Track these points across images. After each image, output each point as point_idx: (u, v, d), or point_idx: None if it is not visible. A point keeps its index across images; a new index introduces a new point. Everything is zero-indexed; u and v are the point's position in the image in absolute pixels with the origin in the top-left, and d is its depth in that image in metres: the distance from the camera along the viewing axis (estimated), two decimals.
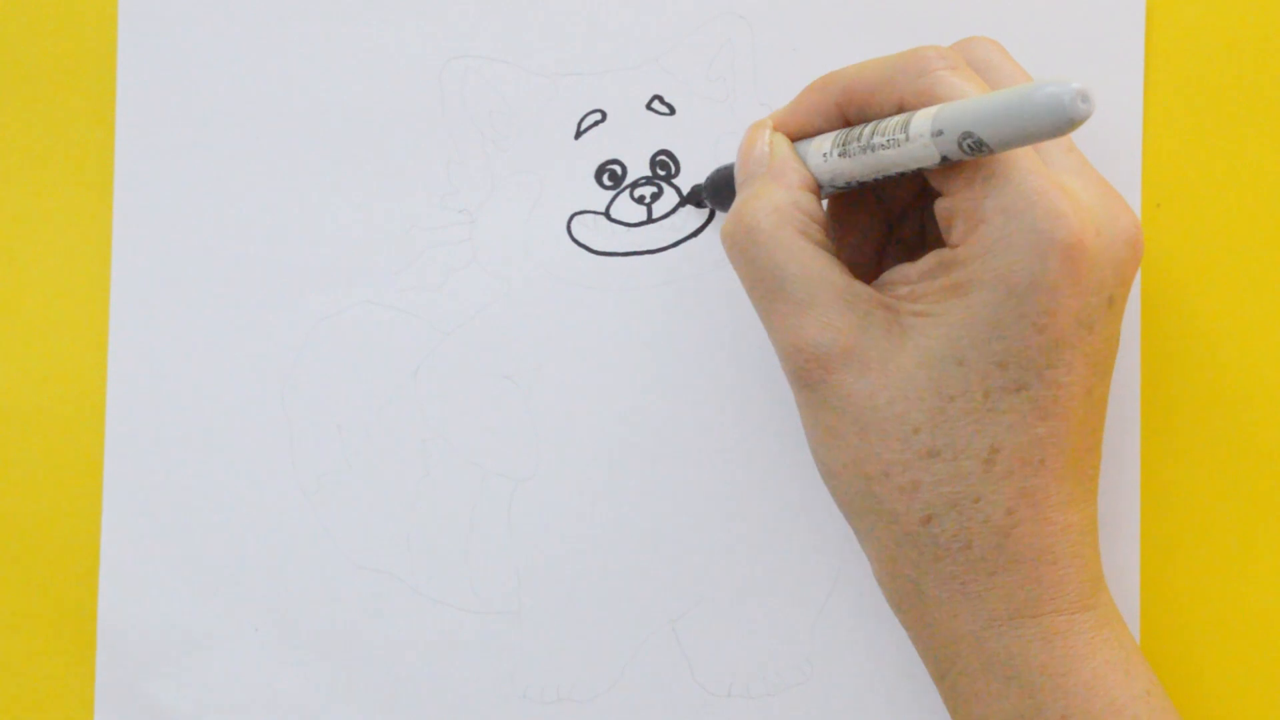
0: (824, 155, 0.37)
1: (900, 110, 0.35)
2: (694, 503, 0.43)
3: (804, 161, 0.37)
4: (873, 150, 0.35)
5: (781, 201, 0.36)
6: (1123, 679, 0.35)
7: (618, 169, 0.43)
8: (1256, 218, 0.42)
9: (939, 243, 0.36)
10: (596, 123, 0.43)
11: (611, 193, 0.43)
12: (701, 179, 0.42)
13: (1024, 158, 0.34)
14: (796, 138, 0.38)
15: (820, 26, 0.42)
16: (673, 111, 0.43)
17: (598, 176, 0.43)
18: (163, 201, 0.43)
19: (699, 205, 0.42)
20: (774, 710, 0.42)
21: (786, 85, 0.42)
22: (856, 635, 0.42)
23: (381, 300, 0.43)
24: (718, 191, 0.41)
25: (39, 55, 0.44)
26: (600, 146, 0.43)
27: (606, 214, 0.43)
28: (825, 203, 0.40)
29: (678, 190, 0.43)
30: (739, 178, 0.38)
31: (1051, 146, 0.36)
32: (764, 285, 0.36)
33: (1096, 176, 0.36)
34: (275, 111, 0.43)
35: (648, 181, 0.43)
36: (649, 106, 0.43)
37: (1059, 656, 0.35)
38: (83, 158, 0.44)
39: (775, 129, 0.38)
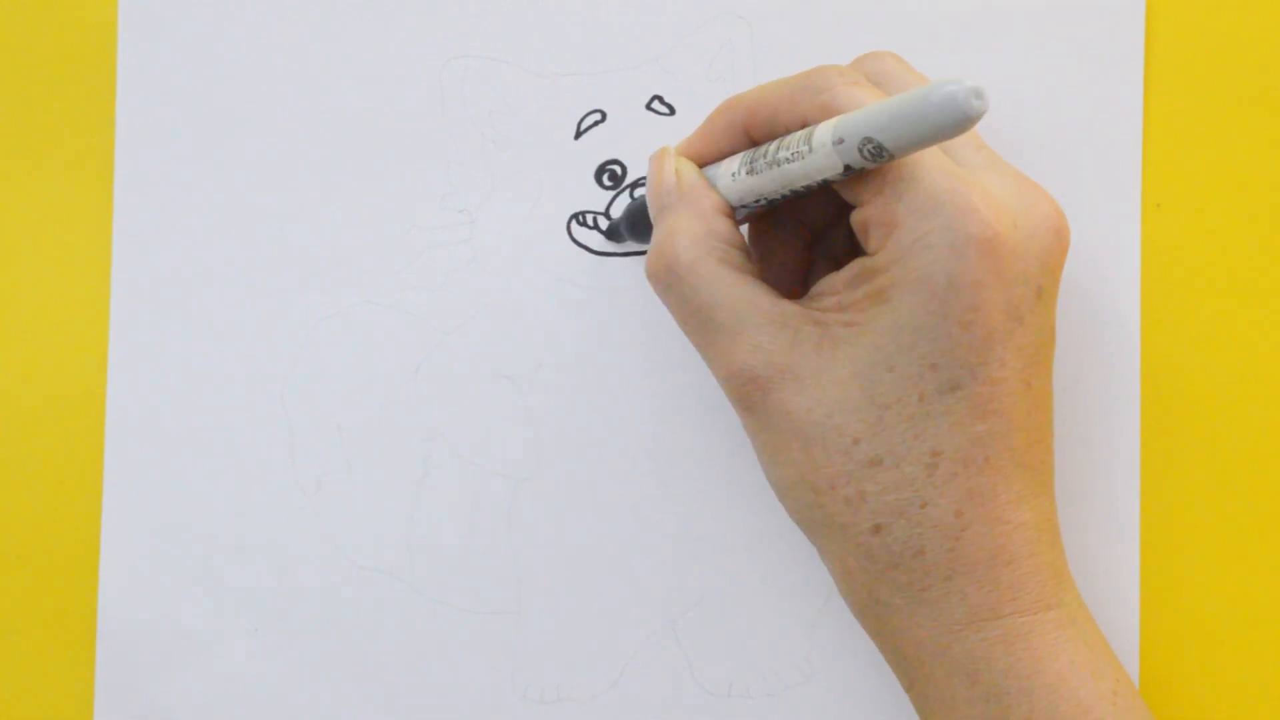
0: (732, 175, 0.37)
1: (804, 127, 0.35)
2: (694, 503, 0.43)
3: (714, 185, 0.37)
4: (778, 165, 0.35)
5: (698, 232, 0.36)
6: (1088, 679, 0.35)
7: (618, 169, 0.43)
8: (1256, 217, 0.42)
9: (860, 254, 0.36)
10: (596, 123, 0.43)
11: (611, 193, 0.43)
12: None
13: (931, 159, 0.34)
14: (706, 163, 0.38)
15: (820, 26, 0.42)
16: (673, 111, 0.43)
17: (598, 176, 0.43)
18: (163, 201, 0.43)
19: (619, 241, 0.42)
20: (774, 710, 0.42)
21: None
22: (856, 635, 0.42)
23: (381, 300, 0.43)
24: (634, 226, 0.41)
25: (39, 55, 0.44)
26: (600, 146, 0.43)
27: (606, 214, 0.43)
28: (746, 227, 0.40)
29: None
30: (652, 210, 0.38)
31: (961, 146, 0.36)
32: (693, 318, 0.37)
33: (1010, 170, 0.36)
34: (275, 111, 0.43)
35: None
36: (649, 106, 0.43)
37: (1022, 659, 0.34)
38: (83, 158, 0.44)
39: (682, 155, 0.38)
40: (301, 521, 0.43)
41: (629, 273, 0.43)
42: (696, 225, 0.37)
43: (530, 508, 0.43)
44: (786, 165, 0.35)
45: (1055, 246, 0.35)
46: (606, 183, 0.43)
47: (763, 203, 0.37)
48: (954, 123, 0.30)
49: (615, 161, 0.43)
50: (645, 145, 0.42)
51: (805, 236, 0.40)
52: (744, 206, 0.37)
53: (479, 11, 0.43)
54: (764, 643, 0.42)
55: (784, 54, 0.42)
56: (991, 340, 0.34)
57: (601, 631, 0.43)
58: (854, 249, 0.38)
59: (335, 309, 0.43)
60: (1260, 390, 0.42)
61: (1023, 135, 0.42)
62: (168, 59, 0.43)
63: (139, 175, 0.43)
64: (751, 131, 0.37)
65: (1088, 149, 0.42)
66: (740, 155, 0.37)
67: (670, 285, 0.37)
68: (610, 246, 0.43)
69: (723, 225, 0.37)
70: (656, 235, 0.37)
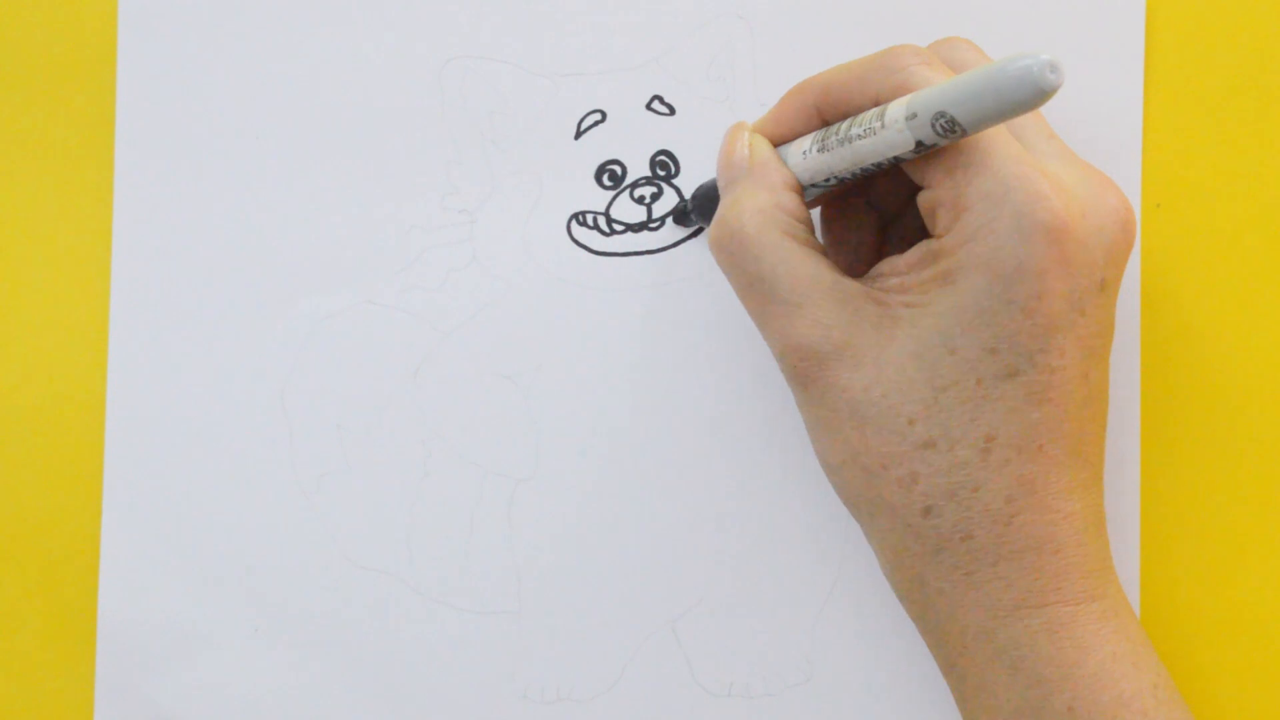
0: (803, 153, 0.37)
1: (877, 105, 0.35)
2: (694, 503, 0.43)
3: (784, 162, 0.38)
4: (850, 142, 0.35)
5: (765, 204, 0.37)
6: (1130, 671, 0.35)
7: (618, 169, 0.43)
8: (1256, 217, 0.42)
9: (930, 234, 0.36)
10: (596, 123, 0.43)
11: (611, 193, 0.43)
12: (700, 180, 0.42)
13: (1004, 145, 0.34)
14: (778, 144, 0.38)
15: (820, 26, 0.42)
16: (673, 111, 0.43)
17: (598, 176, 0.43)
18: (163, 201, 0.43)
19: (686, 224, 0.42)
20: (774, 710, 0.42)
21: (786, 85, 0.42)
22: (856, 635, 0.42)
23: (381, 300, 0.43)
24: (702, 206, 0.41)
25: (39, 55, 0.44)
26: (600, 146, 0.43)
27: (606, 214, 0.43)
28: (818, 212, 0.40)
29: (678, 190, 0.43)
30: (721, 183, 0.39)
31: (1033, 134, 0.36)
32: (754, 289, 0.37)
33: (1081, 161, 0.36)
34: (275, 111, 0.43)
35: (648, 181, 0.43)
36: (649, 106, 0.43)
37: (1065, 647, 0.35)
38: (83, 158, 0.44)
39: (754, 132, 0.39)
40: (301, 521, 0.43)
41: (629, 273, 0.43)
42: (764, 197, 0.37)
43: (530, 508, 0.43)
44: (859, 142, 0.35)
45: (1121, 240, 0.35)
46: (606, 183, 0.43)
47: (833, 181, 0.37)
48: (1028, 97, 0.30)
49: (615, 161, 0.43)
50: (645, 145, 0.42)
51: (875, 222, 0.40)
52: (814, 185, 0.37)
53: (479, 11, 0.43)
54: (764, 643, 0.42)
55: (784, 54, 0.42)
56: (1053, 329, 0.34)
57: (601, 631, 0.43)
58: (922, 234, 0.38)
59: (335, 309, 0.43)
60: (1260, 390, 0.42)
61: None
62: (168, 59, 0.43)
63: (139, 175, 0.43)
64: (824, 111, 0.37)
65: (1088, 149, 0.42)
66: (812, 134, 0.37)
67: (733, 254, 0.37)
68: (610, 246, 0.43)
69: (790, 200, 0.37)
70: (723, 205, 0.38)
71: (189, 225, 0.43)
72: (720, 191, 0.39)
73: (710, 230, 0.38)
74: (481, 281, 0.43)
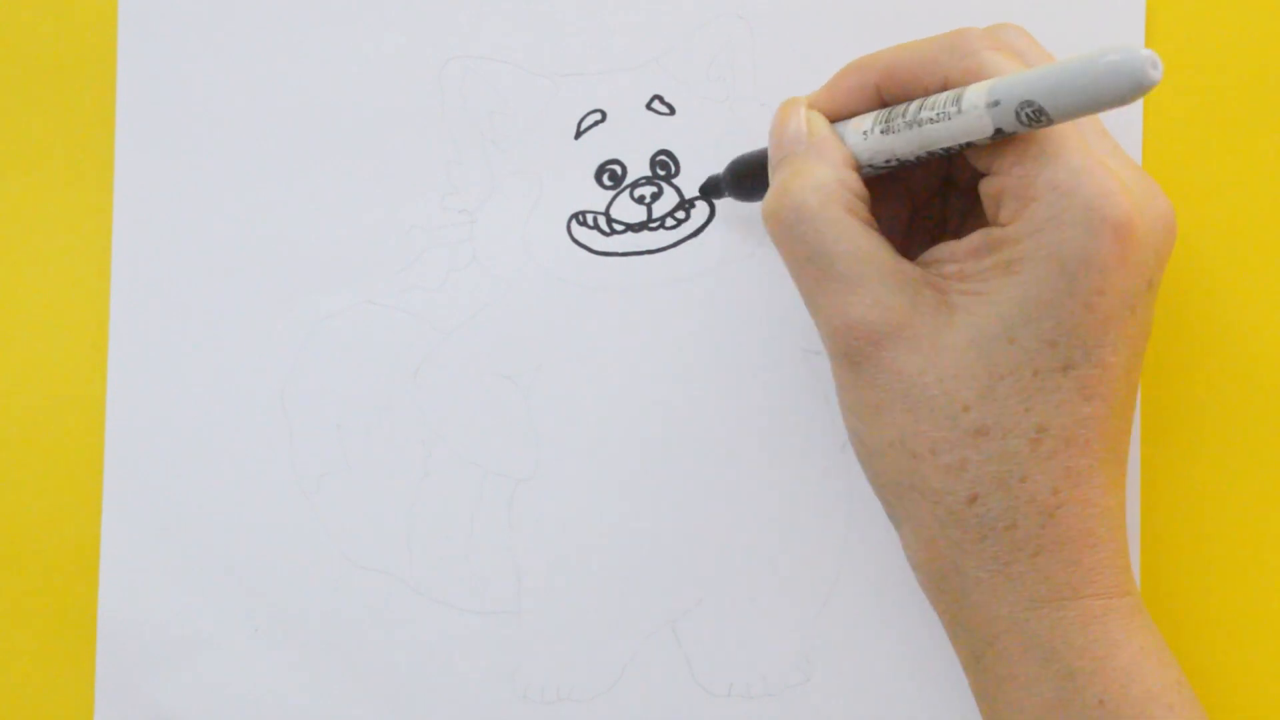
0: (864, 134, 0.36)
1: (945, 89, 0.35)
2: (694, 502, 0.42)
3: (843, 140, 0.37)
4: (919, 125, 0.35)
5: (827, 179, 0.36)
6: (1157, 666, 0.35)
7: (618, 169, 0.43)
8: (1257, 218, 0.42)
9: (959, 229, 0.36)
10: (596, 123, 0.43)
11: (611, 193, 0.43)
12: (701, 180, 0.42)
13: (1071, 137, 0.34)
14: (832, 120, 0.38)
15: (820, 26, 0.42)
16: (673, 111, 0.43)
17: (598, 176, 0.43)
18: (163, 201, 0.43)
19: (716, 197, 0.42)
20: (774, 710, 0.42)
21: (786, 85, 0.42)
22: (856, 635, 0.42)
23: (381, 300, 0.43)
24: (740, 180, 0.41)
25: (39, 55, 0.44)
26: (600, 146, 0.43)
27: (606, 214, 0.43)
28: None
29: (678, 190, 0.43)
30: (773, 156, 0.38)
31: (1089, 131, 0.36)
32: (812, 264, 0.36)
33: (1131, 160, 0.36)
34: (275, 111, 0.43)
35: (648, 181, 0.43)
36: (649, 106, 0.43)
37: (1096, 640, 0.35)
38: (83, 158, 0.44)
39: (811, 108, 0.38)
40: (301, 521, 0.43)
41: (629, 273, 0.43)
42: (827, 172, 0.36)
43: (530, 508, 0.43)
44: (930, 125, 0.35)
45: (1167, 242, 0.35)
46: (606, 183, 0.43)
47: (894, 163, 0.36)
48: (1127, 89, 0.30)
49: (615, 161, 0.43)
50: (645, 145, 0.42)
51: (910, 206, 0.40)
52: (871, 166, 0.37)
53: (479, 11, 0.43)
54: (764, 643, 0.42)
55: (784, 54, 0.42)
56: (1109, 324, 0.34)
57: (601, 631, 0.43)
58: (946, 223, 0.38)
59: (335, 309, 0.43)
60: (1260, 390, 0.42)
61: None
62: (168, 59, 0.43)
63: (139, 175, 0.43)
64: (885, 92, 0.37)
65: None
66: (873, 114, 0.37)
67: (792, 227, 0.36)
68: (610, 246, 0.43)
69: (853, 178, 0.37)
70: (780, 177, 0.37)
71: (189, 225, 0.43)
72: (772, 166, 0.38)
73: (767, 201, 0.37)
74: (481, 281, 0.43)
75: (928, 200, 0.40)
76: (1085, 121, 0.36)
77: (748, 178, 0.40)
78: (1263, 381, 0.42)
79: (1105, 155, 0.35)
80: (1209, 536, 0.42)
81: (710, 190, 0.42)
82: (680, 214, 0.42)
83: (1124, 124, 0.42)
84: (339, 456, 0.43)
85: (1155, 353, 0.42)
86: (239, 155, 0.43)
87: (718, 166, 0.42)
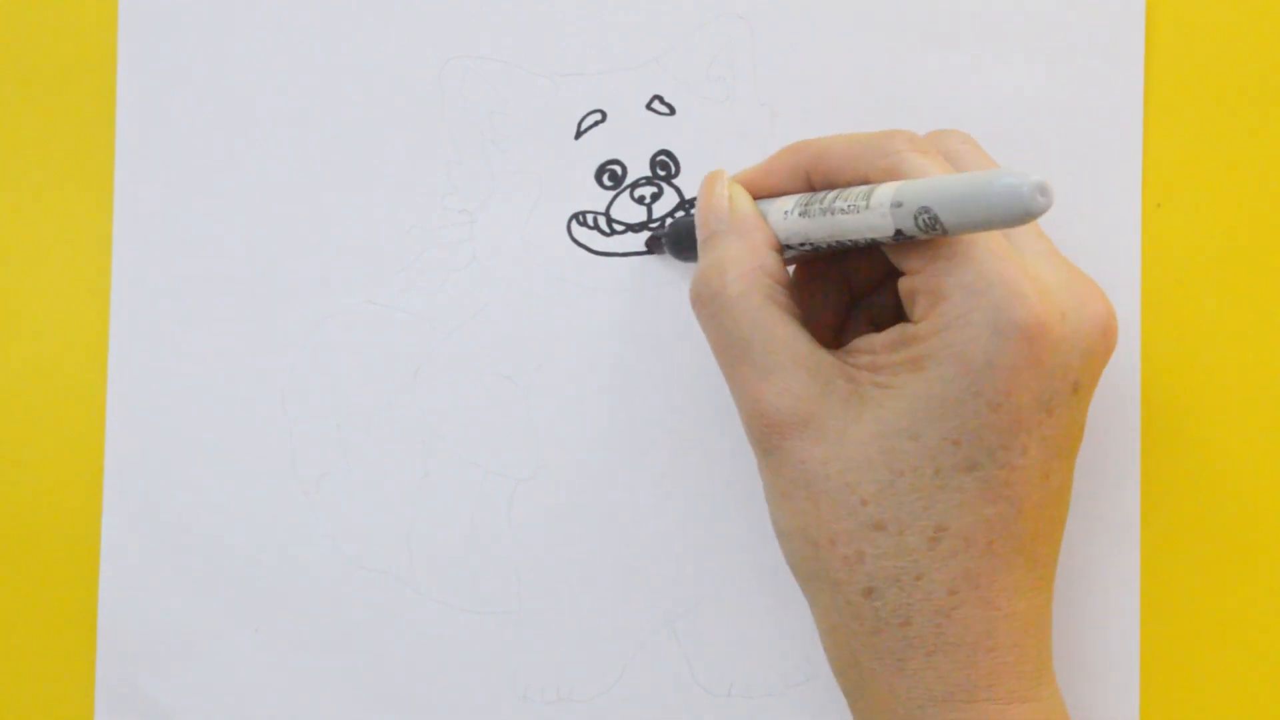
0: (785, 213, 0.37)
1: (865, 183, 0.35)
2: (694, 502, 0.43)
3: (765, 218, 0.37)
4: (833, 214, 0.35)
5: (748, 265, 0.36)
6: None
7: (618, 169, 0.43)
8: (1256, 217, 0.42)
9: (898, 321, 0.36)
10: (596, 123, 0.43)
11: (611, 193, 0.43)
12: (698, 181, 0.42)
13: (990, 240, 0.34)
14: (761, 196, 0.38)
15: (820, 26, 0.42)
16: (673, 111, 0.43)
17: (598, 176, 0.43)
18: (163, 202, 0.43)
19: (657, 251, 0.42)
20: (774, 710, 0.42)
21: (786, 85, 0.42)
22: None
23: (381, 300, 0.43)
24: (678, 242, 0.41)
25: (39, 55, 0.44)
26: (600, 146, 0.43)
27: (606, 214, 0.43)
28: (790, 269, 0.40)
29: (678, 190, 0.43)
30: (700, 232, 0.38)
31: (1020, 233, 0.36)
32: (730, 350, 0.37)
33: (1067, 263, 0.36)
34: (275, 111, 0.43)
35: (648, 181, 0.43)
36: (649, 106, 0.43)
37: None
38: (83, 158, 0.44)
39: (739, 183, 0.39)
40: (301, 521, 0.43)
41: (629, 273, 0.43)
42: (748, 258, 0.37)
43: (530, 508, 0.43)
44: (840, 216, 0.35)
45: (1100, 345, 0.35)
46: (606, 183, 0.43)
47: (808, 248, 0.37)
48: (1013, 214, 0.30)
49: (615, 161, 0.43)
50: (645, 145, 0.42)
51: (847, 294, 0.40)
52: (789, 247, 0.37)
53: (479, 11, 0.43)
54: (764, 643, 0.42)
55: (784, 54, 0.42)
56: (1017, 427, 0.34)
57: (601, 631, 0.43)
58: (897, 314, 0.38)
59: (335, 309, 0.43)
60: (1260, 390, 0.42)
61: (1023, 135, 0.42)
62: (168, 59, 0.43)
63: (139, 175, 0.43)
64: (813, 177, 0.37)
65: (1088, 149, 0.42)
66: (796, 196, 0.37)
67: (714, 314, 0.37)
68: (610, 246, 0.43)
69: (773, 261, 0.37)
70: (705, 260, 0.38)
71: (189, 225, 0.43)
72: (699, 239, 0.38)
73: (693, 285, 0.38)
74: (481, 281, 0.43)
75: (871, 290, 0.40)
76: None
77: (684, 247, 0.41)
78: (1263, 381, 0.42)
79: (1033, 258, 0.35)
80: (1209, 536, 0.42)
81: (654, 247, 0.42)
82: (680, 214, 0.42)
83: (1124, 124, 0.42)
84: (339, 456, 0.43)
85: (1155, 353, 0.42)
86: (239, 155, 0.43)
87: (718, 166, 0.42)
